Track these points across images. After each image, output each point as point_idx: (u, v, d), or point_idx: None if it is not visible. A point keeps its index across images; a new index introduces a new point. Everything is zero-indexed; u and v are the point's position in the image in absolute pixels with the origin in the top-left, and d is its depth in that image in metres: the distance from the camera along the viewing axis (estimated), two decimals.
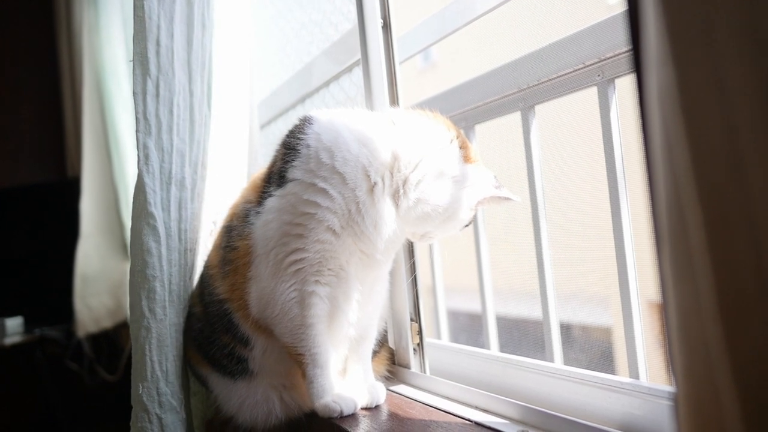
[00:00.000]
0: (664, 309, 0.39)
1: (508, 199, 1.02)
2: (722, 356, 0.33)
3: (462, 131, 1.08)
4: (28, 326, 2.44)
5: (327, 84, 1.50)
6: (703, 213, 0.33)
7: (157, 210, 1.15)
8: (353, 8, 1.29)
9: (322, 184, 0.95)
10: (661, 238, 0.38)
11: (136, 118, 1.15)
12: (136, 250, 1.14)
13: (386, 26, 1.23)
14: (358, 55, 1.29)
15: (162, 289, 1.14)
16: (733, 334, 0.33)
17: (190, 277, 1.25)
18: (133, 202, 1.16)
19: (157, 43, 1.15)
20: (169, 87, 1.17)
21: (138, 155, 1.15)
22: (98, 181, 2.46)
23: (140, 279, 1.14)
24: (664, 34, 0.34)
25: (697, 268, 0.34)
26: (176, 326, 1.17)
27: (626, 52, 0.87)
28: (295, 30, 1.69)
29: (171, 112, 1.17)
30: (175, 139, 1.18)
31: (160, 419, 1.12)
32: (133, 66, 1.16)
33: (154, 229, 1.14)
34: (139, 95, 1.15)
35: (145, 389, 1.12)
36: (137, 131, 1.15)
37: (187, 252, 1.21)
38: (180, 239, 1.19)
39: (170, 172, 1.18)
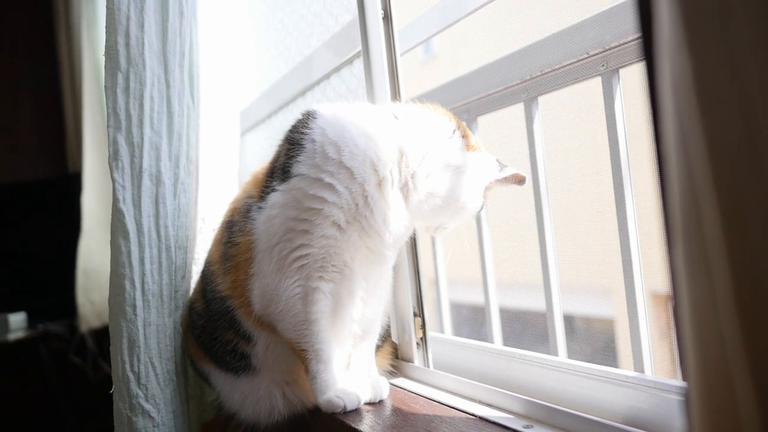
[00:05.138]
0: (675, 304, 0.38)
1: (516, 177, 1.03)
2: (739, 351, 0.32)
3: (463, 122, 1.07)
4: (32, 321, 2.44)
5: (328, 76, 1.48)
6: (719, 205, 0.32)
7: (126, 206, 1.12)
8: None
9: (328, 179, 0.94)
10: (673, 231, 0.37)
11: (107, 114, 1.12)
12: (112, 248, 1.13)
13: (387, 17, 1.22)
14: (359, 47, 1.27)
15: (132, 288, 1.11)
16: (751, 328, 0.32)
17: (182, 276, 1.21)
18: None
19: (127, 35, 1.12)
20: (140, 79, 1.14)
21: (108, 151, 1.12)
22: (99, 176, 2.45)
23: (113, 277, 1.11)
24: (679, 20, 0.33)
25: (712, 262, 0.33)
26: (156, 327, 1.13)
27: (632, 41, 0.85)
28: (294, 22, 1.68)
29: (142, 105, 1.14)
30: (147, 132, 1.15)
31: (130, 420, 1.10)
32: (105, 60, 1.13)
33: (123, 225, 1.11)
34: (110, 90, 1.12)
35: (117, 388, 1.10)
36: (108, 126, 1.12)
37: (172, 249, 1.18)
38: (159, 236, 1.16)
39: (141, 167, 1.14)
